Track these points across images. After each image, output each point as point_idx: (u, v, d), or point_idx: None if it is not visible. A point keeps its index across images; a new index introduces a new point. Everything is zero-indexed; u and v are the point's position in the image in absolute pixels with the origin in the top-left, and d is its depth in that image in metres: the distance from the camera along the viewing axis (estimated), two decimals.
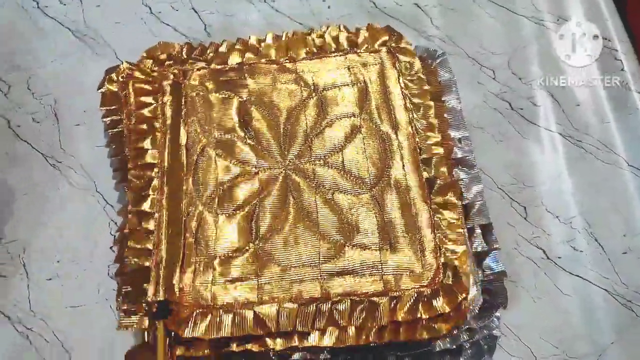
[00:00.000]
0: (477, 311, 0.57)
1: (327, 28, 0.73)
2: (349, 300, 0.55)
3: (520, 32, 0.79)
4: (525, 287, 0.62)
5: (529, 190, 0.67)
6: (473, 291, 0.56)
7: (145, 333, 0.56)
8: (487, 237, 0.61)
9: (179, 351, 0.54)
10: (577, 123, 0.71)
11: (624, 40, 0.77)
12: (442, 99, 0.68)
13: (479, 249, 0.60)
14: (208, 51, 0.72)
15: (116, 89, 0.69)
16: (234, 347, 0.54)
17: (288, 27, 0.78)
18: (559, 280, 0.62)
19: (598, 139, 0.70)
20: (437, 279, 0.56)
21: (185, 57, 0.71)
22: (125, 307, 0.56)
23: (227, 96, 0.67)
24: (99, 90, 0.69)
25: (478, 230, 0.61)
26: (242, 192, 0.61)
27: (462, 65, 0.75)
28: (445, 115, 0.67)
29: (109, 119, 0.68)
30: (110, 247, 0.63)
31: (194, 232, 0.59)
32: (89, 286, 0.62)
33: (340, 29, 0.73)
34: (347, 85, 0.68)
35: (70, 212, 0.66)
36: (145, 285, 0.57)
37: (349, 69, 0.69)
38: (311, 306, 0.55)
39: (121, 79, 0.69)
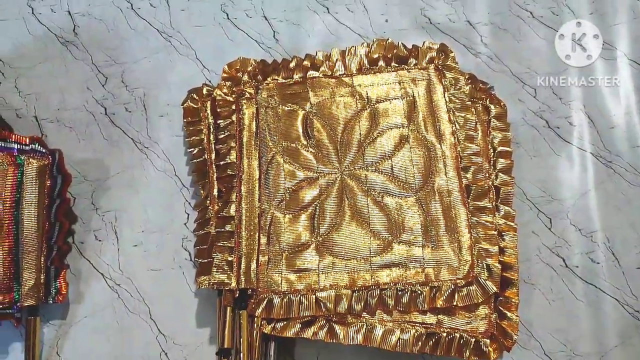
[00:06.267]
0: None
1: (385, 42, 0.80)
2: (395, 289, 0.65)
3: None
4: (542, 290, 0.69)
5: (556, 203, 0.74)
6: None
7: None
8: None
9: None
10: (609, 145, 0.77)
11: None
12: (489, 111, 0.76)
13: None
14: (280, 66, 0.81)
15: (196, 106, 0.79)
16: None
17: (349, 37, 0.86)
18: (575, 287, 0.69)
19: (627, 162, 0.76)
20: (472, 272, 0.65)
21: (258, 73, 0.80)
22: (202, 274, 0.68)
23: (292, 109, 0.77)
24: (182, 106, 0.79)
25: None
26: (306, 194, 0.71)
27: (505, 82, 0.81)
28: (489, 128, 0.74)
29: (189, 128, 0.78)
30: (185, 224, 0.75)
31: (266, 230, 0.70)
32: (166, 254, 0.74)
33: (394, 45, 0.80)
34: (398, 98, 0.76)
35: (153, 191, 0.78)
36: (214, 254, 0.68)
37: (399, 83, 0.77)
38: (363, 292, 0.65)
39: (201, 98, 0.79)
